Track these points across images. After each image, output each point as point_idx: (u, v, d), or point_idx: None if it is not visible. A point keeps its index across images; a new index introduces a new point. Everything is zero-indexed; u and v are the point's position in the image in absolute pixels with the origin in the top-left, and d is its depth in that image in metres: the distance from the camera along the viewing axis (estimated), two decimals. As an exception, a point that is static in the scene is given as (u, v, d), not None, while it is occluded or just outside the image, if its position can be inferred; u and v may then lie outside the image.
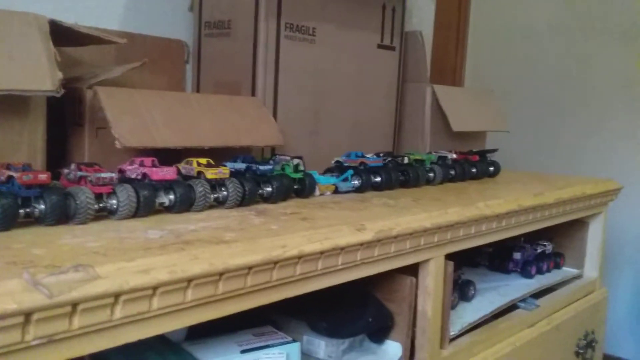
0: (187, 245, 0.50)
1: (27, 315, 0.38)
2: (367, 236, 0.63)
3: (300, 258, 0.56)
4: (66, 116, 0.75)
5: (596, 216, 1.20)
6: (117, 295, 0.43)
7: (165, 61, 1.04)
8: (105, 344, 0.44)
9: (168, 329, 0.48)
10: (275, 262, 0.54)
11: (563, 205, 1.01)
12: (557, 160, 2.01)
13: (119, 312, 0.43)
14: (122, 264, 0.44)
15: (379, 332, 0.76)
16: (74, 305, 0.40)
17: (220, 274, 0.49)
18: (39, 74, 0.60)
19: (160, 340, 0.59)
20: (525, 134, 2.03)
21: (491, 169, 1.16)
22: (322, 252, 0.58)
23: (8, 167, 0.56)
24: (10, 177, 0.55)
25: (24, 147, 0.64)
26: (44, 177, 0.55)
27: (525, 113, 2.06)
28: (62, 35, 0.70)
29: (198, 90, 1.03)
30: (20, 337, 0.38)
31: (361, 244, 0.63)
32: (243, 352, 0.61)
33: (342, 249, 0.60)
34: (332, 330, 0.72)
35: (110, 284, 0.42)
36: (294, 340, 0.65)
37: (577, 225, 1.20)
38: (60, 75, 0.62)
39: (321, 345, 0.72)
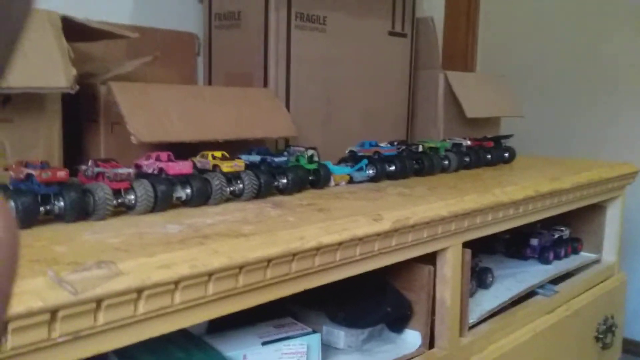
0: (206, 239, 0.50)
1: (53, 312, 0.38)
2: (384, 226, 0.63)
3: (318, 249, 0.56)
4: (81, 112, 0.76)
5: (614, 200, 1.18)
6: (140, 291, 0.43)
7: (176, 54, 1.03)
8: (129, 340, 0.44)
9: (190, 323, 0.49)
10: (294, 254, 0.54)
11: (580, 189, 1.00)
12: (574, 144, 1.99)
13: (142, 307, 0.43)
14: (143, 259, 0.44)
15: (398, 322, 0.76)
16: (99, 301, 0.41)
17: (240, 267, 0.49)
18: (54, 71, 0.60)
19: (182, 334, 0.60)
20: (541, 119, 2.00)
21: (506, 155, 1.15)
22: (340, 243, 0.58)
23: (26, 165, 0.56)
24: (29, 175, 0.55)
25: (40, 144, 0.65)
26: (62, 174, 0.55)
27: (540, 97, 2.04)
28: (74, 30, 0.70)
29: (210, 83, 1.03)
30: (46, 334, 0.39)
31: (378, 234, 0.62)
32: (264, 343, 0.61)
33: (359, 239, 0.60)
34: (351, 320, 0.73)
35: (132, 280, 0.42)
36: (315, 331, 0.65)
37: (595, 210, 1.19)
38: (74, 71, 0.62)
39: (340, 336, 0.72)
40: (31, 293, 0.38)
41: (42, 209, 0.54)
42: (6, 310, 0.16)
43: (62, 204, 0.54)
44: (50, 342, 0.39)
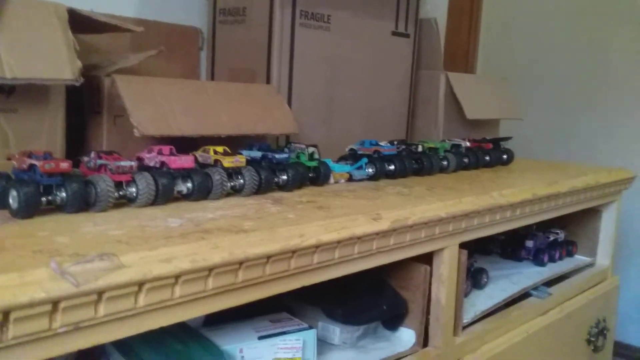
0: (207, 234, 0.51)
1: (55, 303, 0.39)
2: (383, 225, 0.63)
3: (317, 247, 0.57)
4: (84, 104, 0.76)
5: (609, 205, 1.19)
6: (140, 284, 0.43)
7: (179, 48, 1.04)
8: (129, 331, 0.45)
9: (189, 317, 0.49)
10: (294, 251, 0.54)
11: (577, 194, 1.01)
12: (572, 148, 2.00)
13: (142, 300, 0.44)
14: (145, 252, 0.45)
15: (393, 320, 0.77)
16: (100, 293, 0.41)
17: (240, 263, 0.50)
18: (59, 63, 0.60)
19: (180, 326, 0.60)
20: (539, 121, 2.01)
21: (505, 157, 1.15)
22: (339, 242, 0.59)
23: (30, 155, 0.56)
24: (32, 166, 0.55)
25: (43, 135, 0.65)
26: (65, 165, 0.55)
27: (539, 100, 2.05)
28: (79, 22, 0.70)
29: (212, 78, 1.03)
30: (48, 324, 0.39)
31: (377, 234, 0.63)
32: (260, 338, 0.62)
33: (358, 238, 0.61)
34: (347, 317, 0.73)
35: (134, 273, 0.43)
36: (310, 327, 0.65)
37: (590, 214, 1.20)
38: (79, 64, 0.62)
39: (336, 332, 0.73)
40: (34, 284, 0.38)
41: (44, 199, 0.54)
42: None
43: (64, 194, 0.55)
44: (51, 332, 0.40)
